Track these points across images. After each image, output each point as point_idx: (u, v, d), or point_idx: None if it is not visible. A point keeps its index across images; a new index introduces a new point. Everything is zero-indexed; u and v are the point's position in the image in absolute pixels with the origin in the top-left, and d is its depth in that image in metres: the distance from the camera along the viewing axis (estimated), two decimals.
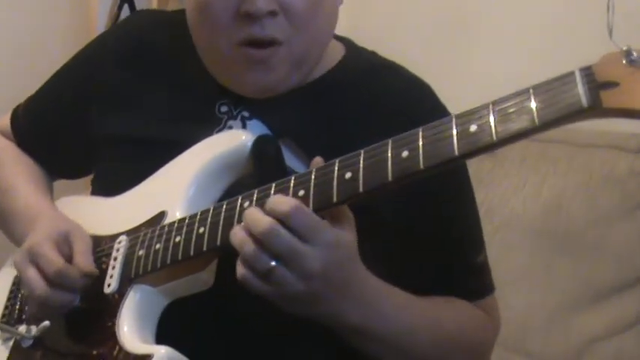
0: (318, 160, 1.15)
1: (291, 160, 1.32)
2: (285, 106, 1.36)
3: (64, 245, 1.32)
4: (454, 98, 1.43)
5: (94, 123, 1.47)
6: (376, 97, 1.37)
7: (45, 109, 1.59)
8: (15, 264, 1.33)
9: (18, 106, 1.63)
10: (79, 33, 2.72)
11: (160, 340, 1.23)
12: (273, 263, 1.09)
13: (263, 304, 1.27)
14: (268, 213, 1.10)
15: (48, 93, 1.60)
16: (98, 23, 2.76)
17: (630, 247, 1.83)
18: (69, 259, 1.30)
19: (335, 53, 1.41)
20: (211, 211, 1.22)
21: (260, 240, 1.09)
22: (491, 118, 0.98)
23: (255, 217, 1.10)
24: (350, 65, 1.41)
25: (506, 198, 1.98)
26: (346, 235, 1.13)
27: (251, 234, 1.10)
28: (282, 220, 1.09)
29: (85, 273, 1.28)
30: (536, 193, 1.94)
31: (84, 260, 1.30)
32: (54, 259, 1.27)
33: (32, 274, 1.28)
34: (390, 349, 1.24)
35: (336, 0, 1.35)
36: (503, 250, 1.87)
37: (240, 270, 1.11)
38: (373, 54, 1.47)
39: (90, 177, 1.57)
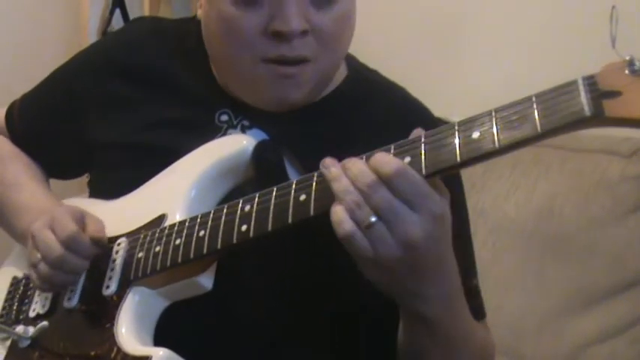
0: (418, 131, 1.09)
1: (288, 170, 1.32)
2: (287, 119, 1.35)
3: (80, 220, 1.33)
4: (446, 103, 1.44)
5: (90, 128, 1.47)
6: (377, 118, 1.38)
7: (39, 110, 1.59)
8: (33, 229, 1.33)
9: (13, 104, 1.63)
10: (71, 37, 2.74)
11: (158, 342, 1.23)
12: (374, 219, 1.03)
13: (262, 308, 1.29)
14: (373, 170, 1.04)
15: (43, 94, 1.59)
16: (90, 27, 2.77)
17: (622, 251, 1.83)
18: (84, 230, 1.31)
19: (339, 71, 1.41)
20: (212, 214, 1.22)
21: (363, 193, 1.03)
22: (494, 126, 0.99)
23: (361, 168, 1.05)
24: (353, 85, 1.42)
25: (498, 202, 1.98)
26: (448, 210, 1.08)
27: (355, 184, 1.04)
28: (385, 180, 1.03)
29: (93, 237, 1.30)
30: (528, 197, 1.95)
31: (95, 228, 1.32)
32: (69, 225, 1.29)
33: (49, 236, 1.29)
34: (447, 354, 1.22)
35: (354, 20, 1.35)
36: (496, 254, 1.87)
37: (343, 218, 1.04)
38: (375, 73, 1.47)
39: (84, 179, 1.58)
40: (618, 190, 1.83)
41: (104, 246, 1.32)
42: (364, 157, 1.08)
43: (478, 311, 1.38)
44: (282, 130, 1.35)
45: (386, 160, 1.04)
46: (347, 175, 1.05)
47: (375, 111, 1.39)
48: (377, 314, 1.30)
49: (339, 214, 1.05)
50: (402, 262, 1.05)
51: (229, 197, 1.29)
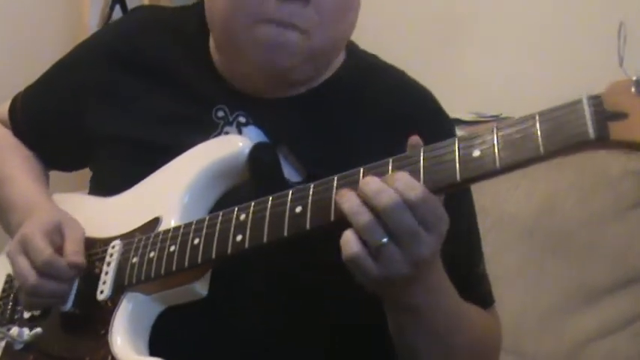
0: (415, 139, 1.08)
1: (285, 167, 1.31)
2: (283, 112, 1.34)
3: (56, 235, 1.31)
4: (448, 100, 1.43)
5: (89, 121, 1.46)
6: (376, 103, 1.36)
7: (40, 102, 1.58)
8: (8, 254, 1.33)
9: (17, 96, 1.62)
10: (72, 34, 2.74)
11: (152, 346, 1.23)
12: (386, 240, 1.02)
13: (258, 313, 1.28)
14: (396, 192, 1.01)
15: (44, 86, 1.58)
16: (90, 24, 2.77)
17: (623, 247, 1.83)
18: (60, 248, 1.30)
19: (337, 58, 1.40)
20: (206, 221, 1.20)
21: (380, 213, 1.01)
22: (495, 144, 0.96)
23: (379, 187, 1.02)
24: (350, 72, 1.40)
25: (499, 198, 1.97)
26: None
27: (368, 204, 1.02)
28: (409, 205, 1.01)
29: (69, 263, 1.28)
30: (529, 193, 1.94)
31: (72, 248, 1.30)
32: (42, 249, 1.27)
33: (23, 263, 1.29)
34: (436, 343, 1.21)
35: (358, 6, 1.34)
36: (496, 250, 1.85)
37: (350, 239, 1.03)
38: (374, 57, 1.45)
39: (85, 173, 1.56)
40: (619, 186, 1.83)
41: (82, 267, 1.30)
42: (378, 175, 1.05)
43: (485, 298, 1.38)
44: (279, 124, 1.34)
45: (411, 184, 1.01)
46: (360, 192, 1.03)
47: (373, 95, 1.37)
48: (373, 319, 1.28)
49: (349, 237, 1.03)
50: (409, 278, 1.05)
51: (225, 198, 1.28)
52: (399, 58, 1.45)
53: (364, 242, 1.03)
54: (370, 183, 1.03)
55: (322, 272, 1.24)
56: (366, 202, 1.02)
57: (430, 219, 1.02)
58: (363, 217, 1.02)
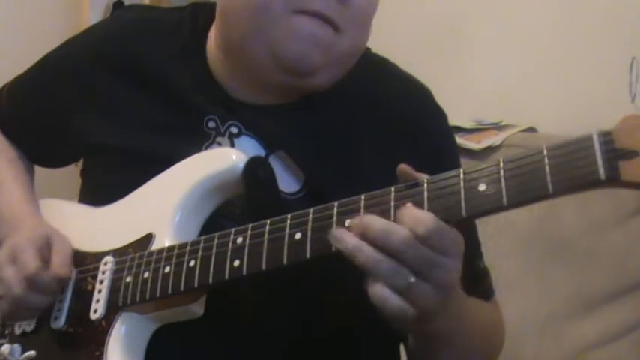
0: (403, 168, 1.05)
1: (282, 175, 1.28)
2: (279, 118, 1.32)
3: (45, 248, 1.30)
4: (449, 107, 1.41)
5: (76, 122, 1.43)
6: (374, 104, 1.34)
7: (26, 96, 1.54)
8: None
9: (3, 87, 1.59)
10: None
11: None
12: (413, 279, 0.99)
13: (256, 326, 1.26)
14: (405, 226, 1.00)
15: (31, 79, 1.55)
16: None
17: (623, 254, 1.84)
18: (48, 262, 1.29)
19: None
20: (202, 243, 1.18)
21: (397, 254, 0.99)
22: (502, 179, 0.94)
23: (385, 227, 0.99)
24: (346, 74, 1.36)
25: None
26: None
27: (385, 248, 0.99)
28: (421, 239, 0.99)
29: (55, 275, 1.27)
30: None
31: (59, 261, 1.29)
32: (31, 262, 1.27)
33: (11, 273, 1.28)
34: (452, 353, 1.20)
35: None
36: (496, 257, 1.85)
37: (378, 289, 1.00)
38: (367, 54, 1.40)
39: (75, 179, 1.52)
40: (619, 194, 1.79)
41: (67, 279, 1.30)
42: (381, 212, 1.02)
43: (487, 291, 1.39)
44: (276, 127, 1.32)
45: (420, 218, 0.99)
46: (368, 238, 1.00)
47: (371, 96, 1.35)
48: (374, 323, 1.27)
49: (380, 291, 1.00)
50: (441, 305, 1.03)
51: (218, 209, 1.27)
52: (401, 62, 1.44)
53: (393, 288, 1.00)
54: (373, 227, 1.00)
55: (321, 281, 1.22)
56: (376, 244, 0.99)
57: (445, 245, 1.00)
58: (385, 264, 0.99)
